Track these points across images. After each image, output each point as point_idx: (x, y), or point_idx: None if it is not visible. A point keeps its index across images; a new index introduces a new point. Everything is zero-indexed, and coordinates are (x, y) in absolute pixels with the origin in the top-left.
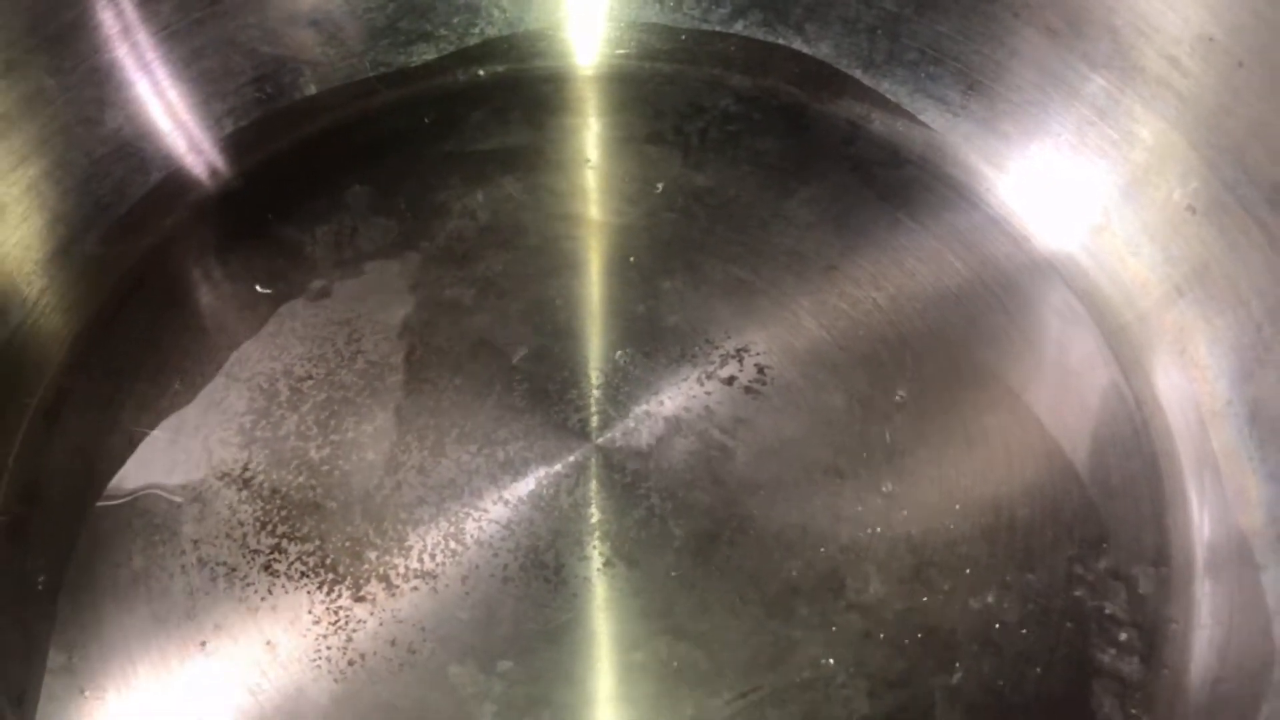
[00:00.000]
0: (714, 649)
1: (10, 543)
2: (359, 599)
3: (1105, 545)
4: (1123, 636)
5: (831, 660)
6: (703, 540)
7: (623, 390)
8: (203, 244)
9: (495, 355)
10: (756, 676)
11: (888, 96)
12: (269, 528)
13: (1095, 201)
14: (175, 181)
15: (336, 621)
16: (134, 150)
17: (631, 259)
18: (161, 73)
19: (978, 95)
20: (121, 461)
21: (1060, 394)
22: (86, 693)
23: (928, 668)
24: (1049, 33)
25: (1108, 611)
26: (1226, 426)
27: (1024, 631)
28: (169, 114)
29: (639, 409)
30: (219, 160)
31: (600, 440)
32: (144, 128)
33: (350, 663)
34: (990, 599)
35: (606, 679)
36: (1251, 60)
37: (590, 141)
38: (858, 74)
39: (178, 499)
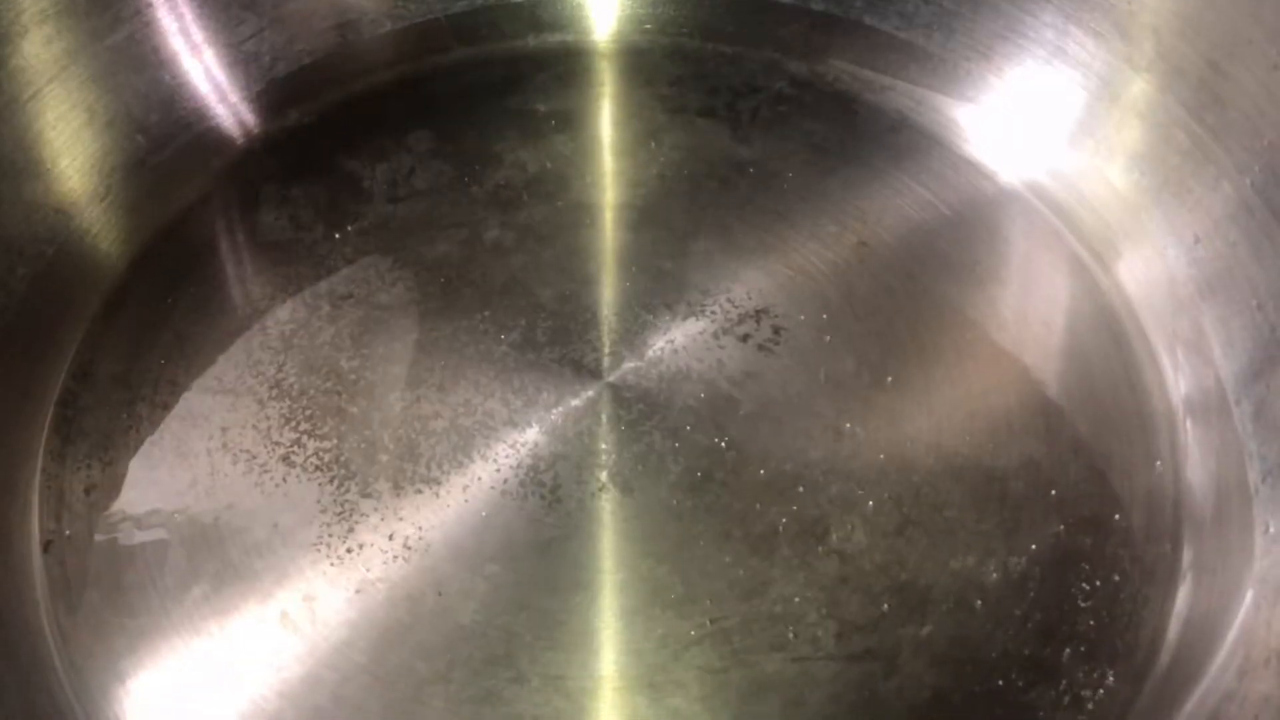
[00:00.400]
0: (692, 577)
1: (60, 415)
2: (365, 495)
3: (1098, 524)
4: (1100, 613)
5: (804, 599)
6: (697, 477)
7: (640, 337)
8: (269, 172)
9: (524, 294)
10: (729, 606)
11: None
12: (292, 424)
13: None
14: (245, 115)
15: (341, 512)
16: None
17: (667, 220)
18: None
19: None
20: (168, 356)
21: (1075, 374)
22: (97, 537)
23: (899, 617)
24: None
25: (1088, 587)
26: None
27: (1001, 596)
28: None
29: (653, 355)
30: (289, 100)
31: (612, 378)
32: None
33: (349, 550)
34: (971, 561)
35: (586, 592)
36: None
37: (644, 111)
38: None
39: (214, 390)
